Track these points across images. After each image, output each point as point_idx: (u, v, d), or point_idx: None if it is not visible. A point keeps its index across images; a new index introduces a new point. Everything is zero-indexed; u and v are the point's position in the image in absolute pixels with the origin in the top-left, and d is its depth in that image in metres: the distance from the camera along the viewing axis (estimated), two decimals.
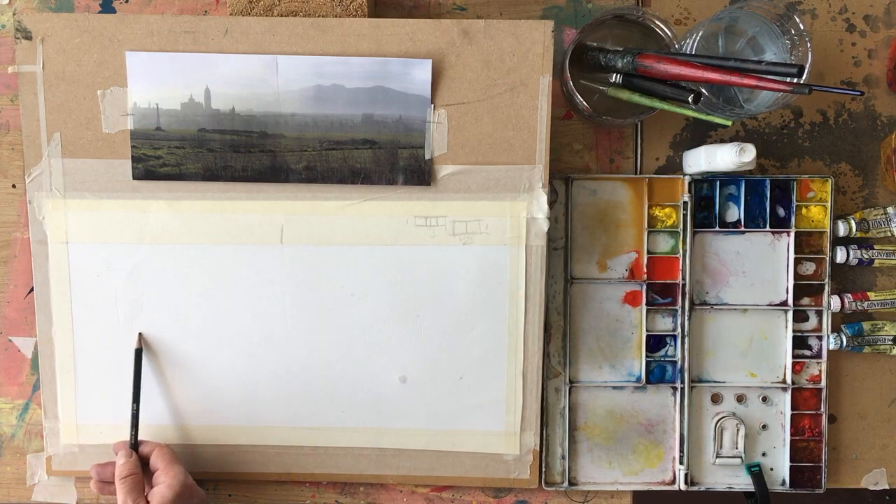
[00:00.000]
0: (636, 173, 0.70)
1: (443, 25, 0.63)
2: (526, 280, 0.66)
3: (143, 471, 0.63)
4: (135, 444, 0.64)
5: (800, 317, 0.70)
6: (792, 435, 0.70)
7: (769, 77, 0.56)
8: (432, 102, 0.64)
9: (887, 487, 0.72)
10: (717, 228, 0.69)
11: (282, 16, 0.64)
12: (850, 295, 0.69)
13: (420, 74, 0.63)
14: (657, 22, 0.64)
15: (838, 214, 0.70)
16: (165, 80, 0.63)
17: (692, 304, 0.70)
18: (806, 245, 0.69)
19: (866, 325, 0.70)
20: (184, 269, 0.66)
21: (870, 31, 0.70)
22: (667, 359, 0.70)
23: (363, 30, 0.63)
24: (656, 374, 0.70)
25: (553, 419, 0.70)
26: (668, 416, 0.70)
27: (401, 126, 0.64)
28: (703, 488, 0.71)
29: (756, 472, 0.69)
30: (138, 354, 0.66)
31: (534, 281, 0.66)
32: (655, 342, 0.70)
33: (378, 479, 0.69)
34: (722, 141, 0.70)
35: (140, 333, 0.66)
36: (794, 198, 0.69)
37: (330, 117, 0.64)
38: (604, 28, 0.66)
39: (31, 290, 0.69)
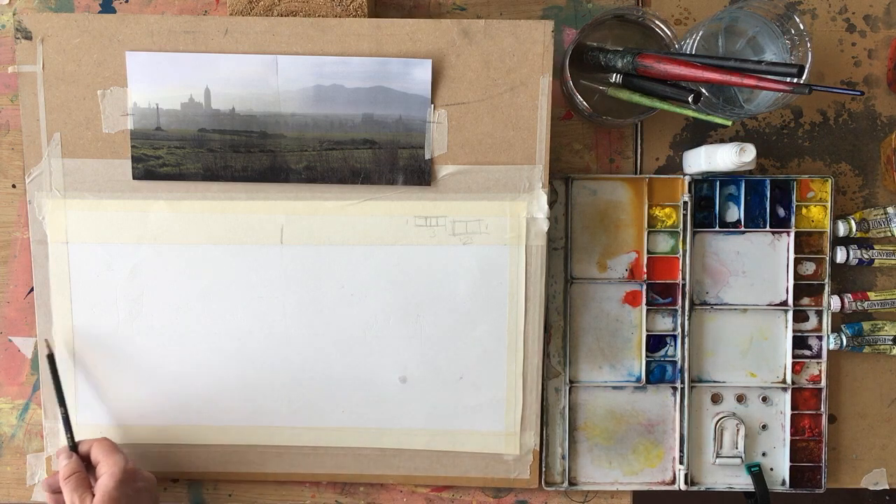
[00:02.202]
0: (636, 173, 0.70)
1: (443, 25, 0.63)
2: (526, 280, 0.66)
3: (88, 469, 0.63)
4: (73, 446, 0.64)
5: (800, 317, 0.70)
6: (792, 435, 0.70)
7: (769, 77, 0.56)
8: (432, 102, 0.64)
9: (887, 487, 0.72)
10: (717, 228, 0.69)
11: (282, 16, 0.64)
12: (850, 295, 0.69)
13: (420, 74, 0.63)
14: (657, 22, 0.64)
15: (838, 214, 0.70)
16: (165, 80, 0.63)
17: (692, 304, 0.70)
18: (806, 245, 0.69)
19: (866, 325, 0.70)
20: (184, 269, 0.66)
21: (870, 31, 0.70)
22: (667, 359, 0.70)
23: (363, 30, 0.63)
24: (656, 374, 0.70)
25: (553, 419, 0.70)
26: (668, 416, 0.70)
27: (401, 126, 0.64)
28: (703, 488, 0.71)
29: (756, 472, 0.69)
30: (51, 359, 0.65)
31: (534, 281, 0.66)
32: (655, 342, 0.70)
33: (378, 479, 0.69)
34: (722, 141, 0.70)
35: (46, 339, 0.66)
36: (794, 198, 0.69)
37: (330, 117, 0.64)
38: (604, 28, 0.66)
39: (31, 290, 0.69)
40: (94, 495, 0.60)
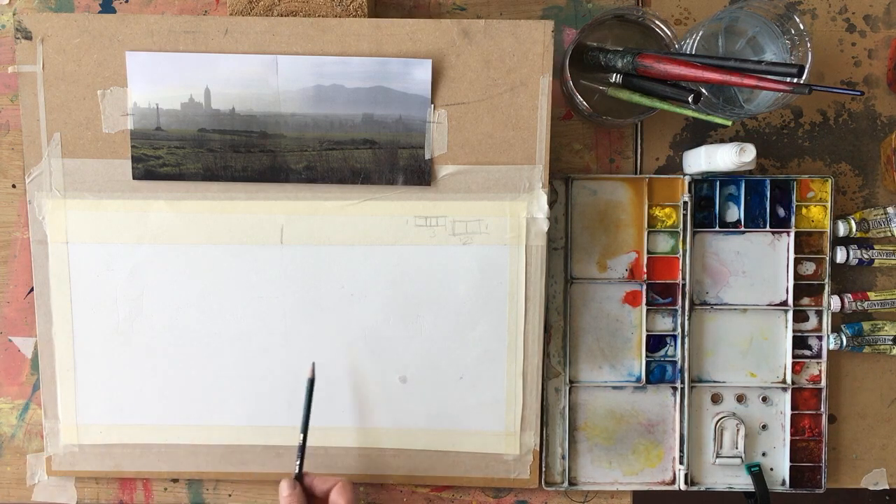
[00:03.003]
0: (636, 173, 0.70)
1: (443, 25, 0.63)
2: (526, 280, 0.66)
3: (316, 501, 0.62)
4: (299, 475, 0.63)
5: (800, 317, 0.70)
6: (792, 435, 0.70)
7: (769, 77, 0.56)
8: (432, 102, 0.64)
9: (887, 487, 0.72)
10: (717, 228, 0.69)
11: (282, 16, 0.64)
12: (850, 295, 0.69)
13: (420, 74, 0.63)
14: (657, 22, 0.64)
15: (838, 214, 0.70)
16: (165, 80, 0.63)
17: (692, 304, 0.70)
18: (806, 245, 0.69)
19: (866, 325, 0.70)
20: (184, 269, 0.66)
21: (870, 31, 0.70)
22: (667, 359, 0.70)
23: (363, 30, 0.63)
24: (656, 374, 0.70)
25: (553, 419, 0.70)
26: (668, 416, 0.70)
27: (401, 126, 0.64)
28: (703, 488, 0.71)
29: (756, 472, 0.69)
30: (311, 384, 0.64)
31: (534, 281, 0.66)
32: (655, 342, 0.70)
33: (378, 479, 0.69)
34: (722, 141, 0.70)
35: (313, 363, 0.65)
36: (794, 198, 0.69)
37: (330, 117, 0.64)
38: (604, 28, 0.66)
39: (31, 290, 0.69)
40: None
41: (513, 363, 0.67)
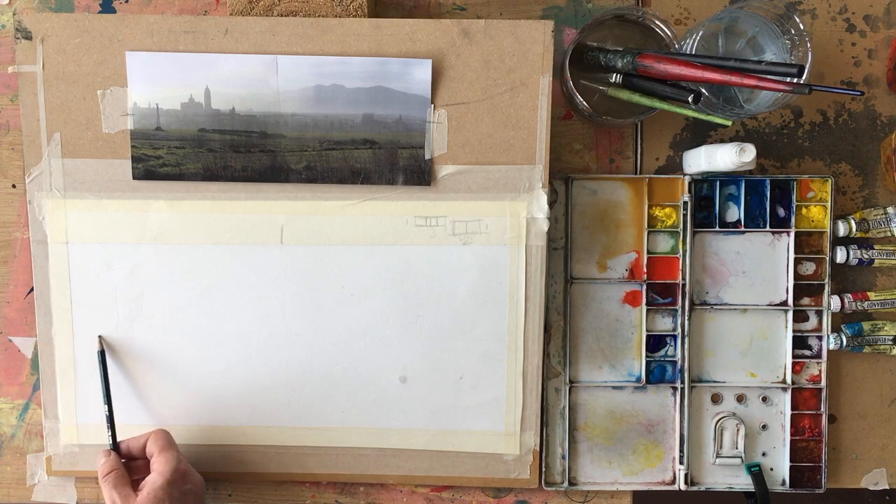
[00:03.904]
0: (636, 173, 0.70)
1: (443, 25, 0.63)
2: (526, 280, 0.66)
3: (140, 463, 0.63)
4: (114, 445, 0.64)
5: (800, 317, 0.70)
6: (792, 435, 0.70)
7: (769, 77, 0.56)
8: (432, 102, 0.64)
9: (887, 487, 0.72)
10: (717, 228, 0.69)
11: (282, 16, 0.64)
12: (850, 295, 0.69)
13: (420, 74, 0.63)
14: (657, 22, 0.64)
15: (838, 214, 0.70)
16: (165, 80, 0.63)
17: (692, 304, 0.70)
18: (806, 245, 0.69)
19: (866, 325, 0.70)
20: (184, 269, 0.66)
21: (870, 31, 0.70)
22: (667, 359, 0.70)
23: (363, 30, 0.63)
24: (656, 374, 0.70)
25: (553, 419, 0.70)
26: (668, 416, 0.70)
27: (401, 126, 0.64)
28: (703, 488, 0.71)
29: (756, 472, 0.69)
30: (102, 356, 0.66)
31: (534, 281, 0.66)
32: (655, 342, 0.70)
33: (378, 479, 0.69)
34: (722, 141, 0.70)
35: (100, 336, 0.66)
36: (794, 198, 0.69)
37: (330, 117, 0.64)
38: (604, 28, 0.66)
39: (31, 290, 0.69)
40: (137, 493, 0.60)
41: (513, 363, 0.67)
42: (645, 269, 0.69)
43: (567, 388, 0.70)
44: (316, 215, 0.66)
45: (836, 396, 0.71)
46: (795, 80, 0.56)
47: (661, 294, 0.70)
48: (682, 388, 0.70)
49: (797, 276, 0.69)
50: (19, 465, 0.71)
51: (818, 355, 0.70)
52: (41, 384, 0.68)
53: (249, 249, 0.66)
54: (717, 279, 0.70)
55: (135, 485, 0.61)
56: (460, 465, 0.69)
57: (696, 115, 0.61)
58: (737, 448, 0.70)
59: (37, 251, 0.66)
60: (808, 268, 0.70)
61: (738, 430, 0.70)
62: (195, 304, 0.67)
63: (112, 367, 0.67)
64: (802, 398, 0.70)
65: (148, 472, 0.62)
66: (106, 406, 0.65)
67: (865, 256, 0.69)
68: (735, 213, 0.69)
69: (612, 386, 0.70)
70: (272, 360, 0.67)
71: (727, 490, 0.71)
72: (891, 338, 0.70)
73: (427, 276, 0.66)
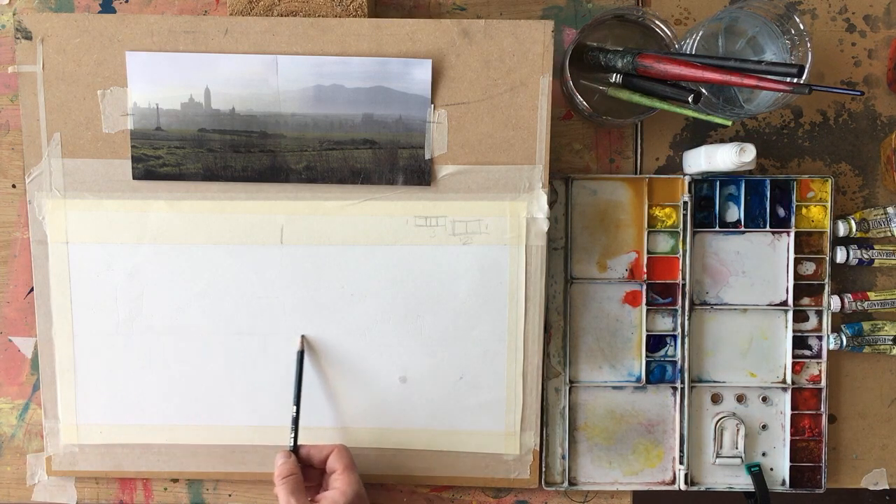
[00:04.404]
0: (636, 173, 0.70)
1: (443, 25, 0.63)
2: (526, 280, 0.66)
3: (313, 472, 0.62)
4: (294, 448, 0.63)
5: (800, 317, 0.70)
6: (792, 435, 0.70)
7: (769, 77, 0.56)
8: (432, 102, 0.64)
9: (887, 487, 0.72)
10: (717, 228, 0.69)
11: (282, 16, 0.64)
12: (850, 295, 0.69)
13: (420, 74, 0.63)
14: (657, 22, 0.64)
15: (838, 214, 0.70)
16: (165, 80, 0.63)
17: (692, 304, 0.70)
18: (806, 245, 0.69)
19: (866, 325, 0.70)
20: (184, 269, 0.66)
21: (870, 31, 0.70)
22: (667, 359, 0.70)
23: (363, 30, 0.63)
24: (656, 374, 0.70)
25: (553, 419, 0.70)
26: (668, 416, 0.70)
27: (401, 126, 0.64)
28: (703, 488, 0.71)
29: (756, 472, 0.69)
30: (300, 357, 0.65)
31: (534, 281, 0.66)
32: (655, 342, 0.70)
33: (378, 479, 0.69)
34: (722, 141, 0.70)
35: (303, 336, 0.66)
36: (794, 198, 0.69)
37: (330, 117, 0.64)
38: (604, 28, 0.66)
39: (31, 290, 0.69)
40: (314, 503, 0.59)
41: (513, 363, 0.67)
42: (645, 269, 0.69)
43: (567, 388, 0.70)
44: (316, 215, 0.66)
45: (836, 396, 0.71)
46: (795, 80, 0.56)
47: (661, 294, 0.70)
48: (682, 388, 0.70)
49: (797, 276, 0.69)
50: (19, 465, 0.71)
51: (818, 355, 0.70)
52: (41, 384, 0.68)
53: (249, 249, 0.66)
54: (717, 279, 0.70)
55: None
56: (460, 465, 0.69)
57: (696, 115, 0.61)
58: (737, 448, 0.70)
59: (37, 251, 0.66)
60: (808, 268, 0.70)
61: (738, 430, 0.70)
62: (195, 304, 0.67)
63: (112, 367, 0.67)
64: (802, 398, 0.70)
65: (319, 482, 0.62)
66: (295, 407, 0.64)
67: (865, 256, 0.69)
68: (735, 213, 0.69)
69: (612, 386, 0.70)
70: (272, 360, 0.67)
71: (727, 490, 0.71)
72: (891, 338, 0.70)
73: (427, 276, 0.66)
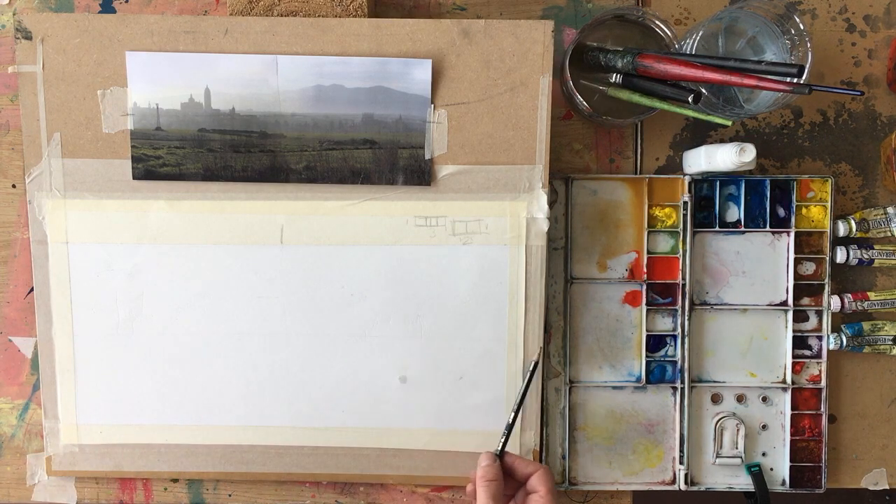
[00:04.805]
0: (636, 173, 0.70)
1: (443, 25, 0.63)
2: (526, 280, 0.66)
3: (510, 482, 0.62)
4: (500, 453, 0.62)
5: (800, 317, 0.70)
6: (792, 435, 0.70)
7: (769, 77, 0.56)
8: (432, 102, 0.64)
9: (887, 487, 0.72)
10: (717, 228, 0.69)
11: (282, 16, 0.64)
12: (850, 295, 0.69)
13: (420, 74, 0.63)
14: (657, 22, 0.64)
15: (838, 214, 0.70)
16: (165, 80, 0.63)
17: (692, 304, 0.70)
18: (806, 245, 0.69)
19: (866, 325, 0.70)
20: (184, 269, 0.66)
21: (870, 31, 0.70)
22: (667, 359, 0.70)
23: (363, 30, 0.63)
24: (656, 374, 0.70)
25: (553, 419, 0.70)
26: (668, 416, 0.70)
27: (401, 126, 0.64)
28: (703, 488, 0.71)
29: (756, 472, 0.69)
30: (535, 366, 0.65)
31: (534, 281, 0.66)
32: (655, 342, 0.70)
33: (378, 479, 0.69)
34: (722, 141, 0.70)
35: (540, 347, 0.66)
36: (794, 198, 0.69)
37: (330, 117, 0.64)
38: (604, 28, 0.66)
39: (31, 290, 0.69)
40: None
41: (513, 363, 0.67)
42: (645, 269, 0.69)
43: (567, 388, 0.70)
44: (316, 215, 0.66)
45: (836, 396, 0.71)
46: (795, 80, 0.56)
47: (661, 294, 0.70)
48: (682, 388, 0.70)
49: (797, 276, 0.69)
50: (19, 465, 0.71)
51: (818, 355, 0.70)
52: (41, 384, 0.68)
53: (249, 249, 0.66)
54: (717, 279, 0.70)
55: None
56: (460, 465, 0.69)
57: (696, 115, 0.61)
58: (737, 448, 0.70)
59: (37, 251, 0.66)
60: (808, 268, 0.70)
61: (738, 430, 0.70)
62: (195, 304, 0.67)
63: (112, 367, 0.67)
64: (802, 398, 0.70)
65: (512, 494, 0.62)
66: (513, 413, 0.63)
67: (865, 256, 0.69)
68: (735, 213, 0.69)
69: (612, 386, 0.70)
70: (272, 360, 0.67)
71: (727, 490, 0.71)
72: (891, 338, 0.70)
73: (427, 276, 0.66)
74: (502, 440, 0.63)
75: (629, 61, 0.61)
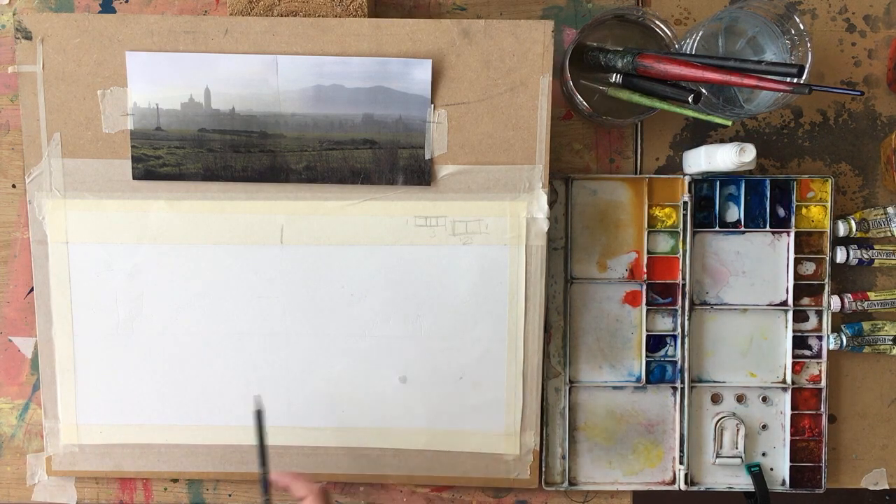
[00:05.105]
0: (636, 173, 0.70)
1: (443, 25, 0.63)
2: (526, 280, 0.66)
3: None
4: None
5: (800, 317, 0.70)
6: (792, 435, 0.70)
7: (769, 77, 0.56)
8: (432, 102, 0.64)
9: (887, 487, 0.72)
10: (717, 228, 0.69)
11: (282, 16, 0.64)
12: (850, 295, 0.69)
13: (420, 74, 0.63)
14: (657, 22, 0.64)
15: (838, 214, 0.70)
16: (165, 80, 0.63)
17: (692, 304, 0.70)
18: (806, 245, 0.69)
19: (866, 325, 0.70)
20: (184, 269, 0.66)
21: (870, 31, 0.70)
22: (667, 359, 0.70)
23: (363, 30, 0.63)
24: (656, 374, 0.70)
25: (553, 419, 0.70)
26: (668, 416, 0.70)
27: (401, 126, 0.64)
28: (703, 488, 0.71)
29: (756, 472, 0.69)
30: (258, 416, 0.60)
31: (534, 281, 0.66)
32: (655, 342, 0.70)
33: (378, 479, 0.69)
34: (722, 141, 0.70)
35: (257, 396, 0.60)
36: (794, 198, 0.69)
37: (330, 117, 0.64)
38: (604, 28, 0.66)
39: (31, 290, 0.69)
40: None
41: (513, 363, 0.67)
42: (645, 269, 0.69)
43: (567, 388, 0.70)
44: (316, 215, 0.66)
45: (836, 396, 0.71)
46: (795, 80, 0.56)
47: (661, 294, 0.70)
48: (682, 388, 0.70)
49: (797, 276, 0.69)
50: (19, 465, 0.71)
51: (818, 355, 0.70)
52: (41, 384, 0.68)
53: (249, 249, 0.66)
54: (717, 279, 0.70)
55: None
56: (460, 465, 0.69)
57: (696, 115, 0.61)
58: (737, 448, 0.70)
59: (37, 251, 0.66)
60: (808, 268, 0.70)
61: (738, 430, 0.70)
62: (195, 304, 0.67)
63: (112, 367, 0.67)
64: (802, 398, 0.70)
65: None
66: (262, 469, 0.59)
67: (865, 256, 0.69)
68: (735, 213, 0.69)
69: (612, 386, 0.70)
70: (272, 360, 0.67)
71: (727, 490, 0.71)
72: (891, 338, 0.70)
73: (427, 276, 0.66)
74: (265, 497, 0.59)
75: (629, 61, 0.61)
